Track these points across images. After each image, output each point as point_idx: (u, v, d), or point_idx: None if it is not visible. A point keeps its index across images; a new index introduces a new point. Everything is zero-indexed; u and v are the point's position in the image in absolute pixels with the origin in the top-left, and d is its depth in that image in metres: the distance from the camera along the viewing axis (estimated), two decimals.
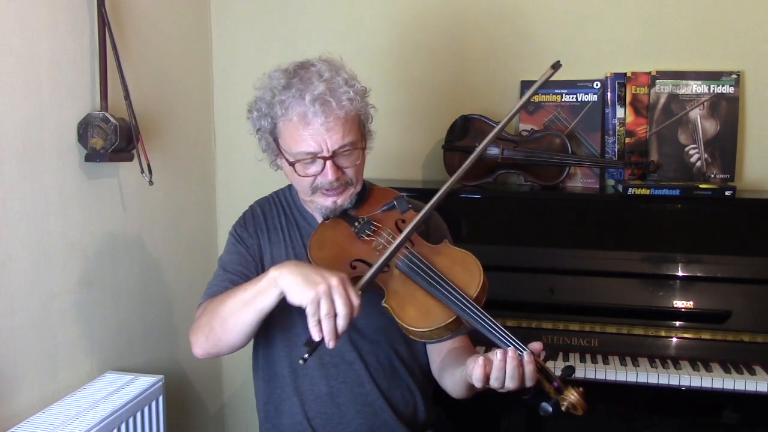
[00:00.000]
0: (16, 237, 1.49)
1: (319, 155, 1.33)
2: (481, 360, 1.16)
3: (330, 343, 1.16)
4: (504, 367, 1.14)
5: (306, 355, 1.18)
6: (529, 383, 1.15)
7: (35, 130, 1.53)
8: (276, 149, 1.41)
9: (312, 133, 1.32)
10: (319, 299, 1.15)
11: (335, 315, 1.15)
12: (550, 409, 1.12)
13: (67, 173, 1.64)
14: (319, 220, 1.45)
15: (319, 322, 1.15)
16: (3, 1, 1.44)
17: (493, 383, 1.16)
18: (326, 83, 1.32)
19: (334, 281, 1.16)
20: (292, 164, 1.36)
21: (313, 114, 1.31)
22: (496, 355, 1.15)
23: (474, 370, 1.16)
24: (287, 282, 1.19)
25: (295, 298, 1.17)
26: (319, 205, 1.40)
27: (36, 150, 1.54)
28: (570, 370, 1.15)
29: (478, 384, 1.17)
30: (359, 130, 1.40)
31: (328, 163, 1.34)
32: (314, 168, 1.36)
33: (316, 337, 1.16)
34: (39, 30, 1.54)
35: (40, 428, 1.44)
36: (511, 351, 1.15)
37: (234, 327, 1.27)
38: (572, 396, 1.12)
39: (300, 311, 1.35)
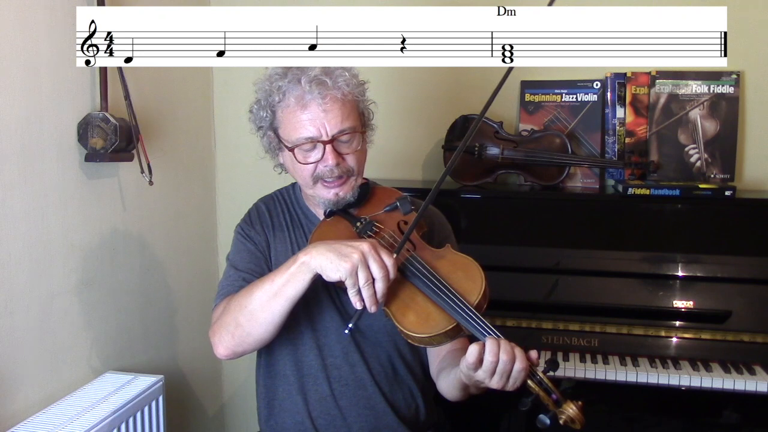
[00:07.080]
0: (16, 237, 1.49)
1: (318, 140, 1.33)
2: (478, 343, 1.16)
3: (372, 308, 1.18)
4: (497, 353, 1.13)
5: (350, 324, 1.20)
6: (512, 383, 1.15)
7: (35, 130, 1.53)
8: (277, 143, 1.40)
9: (310, 117, 1.32)
10: (356, 270, 1.16)
11: (373, 281, 1.17)
12: (548, 421, 1.13)
13: (67, 173, 1.64)
14: (321, 218, 1.44)
15: (359, 291, 1.17)
16: (3, 1, 1.44)
17: (482, 374, 1.15)
18: (322, 68, 1.33)
19: (365, 248, 1.18)
20: (291, 150, 1.35)
21: (309, 95, 1.31)
22: (490, 341, 1.15)
23: (469, 350, 1.14)
24: (320, 261, 1.20)
25: (332, 275, 1.18)
26: (321, 198, 1.39)
27: (36, 150, 1.54)
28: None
29: (468, 369, 1.16)
30: (359, 116, 1.39)
31: (328, 147, 1.33)
32: (314, 155, 1.35)
33: (358, 306, 1.19)
34: (39, 30, 1.54)
35: (40, 428, 1.44)
36: (505, 342, 1.15)
37: (264, 319, 1.27)
38: (571, 410, 1.12)
39: (304, 309, 1.35)
